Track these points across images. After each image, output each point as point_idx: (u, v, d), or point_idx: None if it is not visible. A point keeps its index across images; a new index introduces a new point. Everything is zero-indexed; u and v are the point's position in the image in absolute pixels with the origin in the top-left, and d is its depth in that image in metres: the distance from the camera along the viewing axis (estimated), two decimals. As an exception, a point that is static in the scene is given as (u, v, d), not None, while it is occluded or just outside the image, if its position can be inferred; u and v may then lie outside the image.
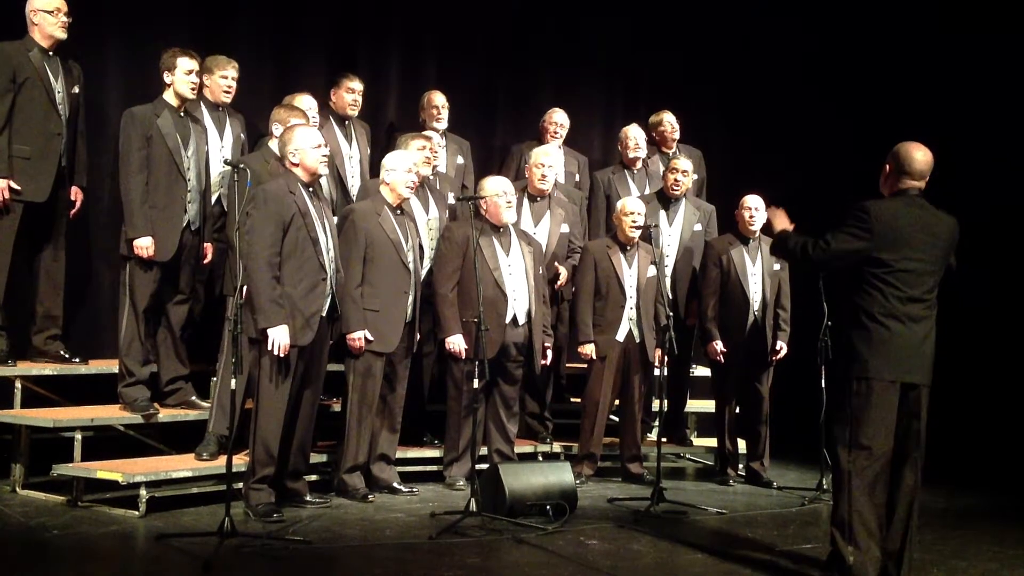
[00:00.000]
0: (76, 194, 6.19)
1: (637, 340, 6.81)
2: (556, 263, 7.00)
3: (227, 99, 6.41)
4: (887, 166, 4.66)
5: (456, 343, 6.34)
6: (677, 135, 7.81)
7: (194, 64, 5.95)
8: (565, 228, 7.04)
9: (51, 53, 5.97)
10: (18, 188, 5.85)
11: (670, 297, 7.08)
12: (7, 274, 5.90)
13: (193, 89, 5.98)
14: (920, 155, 4.60)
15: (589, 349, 6.80)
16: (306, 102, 6.45)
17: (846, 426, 4.46)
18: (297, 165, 5.55)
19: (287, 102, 6.41)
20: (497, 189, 6.45)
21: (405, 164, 6.12)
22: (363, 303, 5.95)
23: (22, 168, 5.86)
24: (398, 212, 6.13)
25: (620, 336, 6.78)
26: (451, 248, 6.35)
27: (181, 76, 5.90)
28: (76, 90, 6.11)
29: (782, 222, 4.92)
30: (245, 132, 6.59)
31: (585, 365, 6.96)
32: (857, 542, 4.38)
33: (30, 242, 6.03)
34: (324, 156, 5.63)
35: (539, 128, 7.72)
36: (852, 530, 4.40)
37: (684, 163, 7.31)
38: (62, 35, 5.95)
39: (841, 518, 4.45)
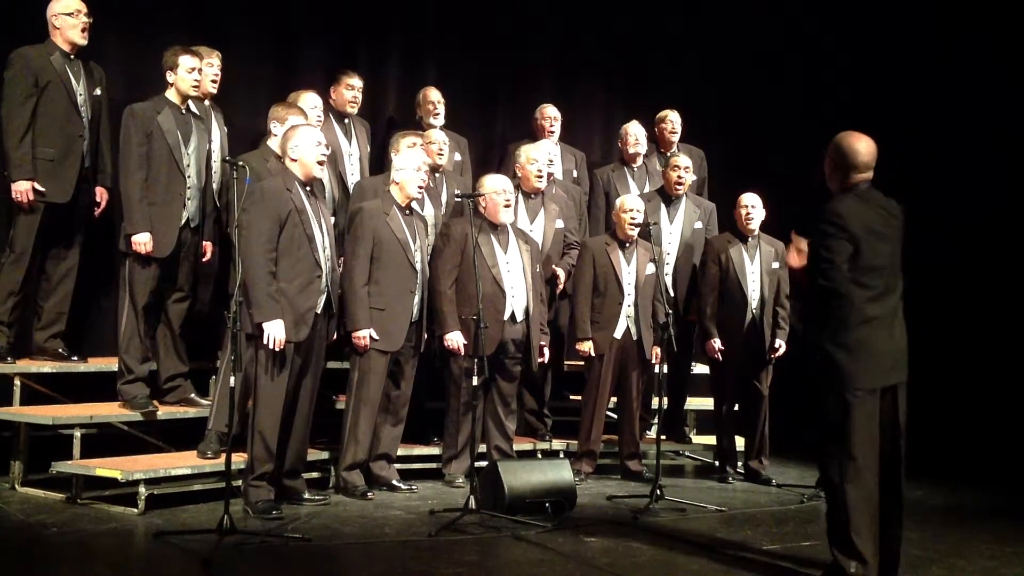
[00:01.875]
0: (102, 195, 6.27)
1: (634, 337, 6.80)
2: (553, 265, 6.99)
3: (213, 89, 6.31)
4: (830, 160, 4.48)
5: (455, 340, 6.34)
6: (678, 135, 7.81)
7: (196, 62, 5.96)
8: (560, 223, 7.04)
9: (72, 56, 6.03)
10: (42, 190, 5.91)
11: (671, 294, 7.09)
12: (25, 273, 5.96)
13: (195, 86, 5.99)
14: (863, 146, 4.44)
15: (587, 347, 6.80)
16: (310, 100, 6.43)
17: (834, 440, 4.35)
18: (296, 162, 5.55)
19: (291, 100, 6.40)
20: (496, 187, 6.45)
21: (414, 164, 6.13)
22: (369, 302, 5.96)
23: (46, 170, 5.94)
24: (407, 212, 6.14)
25: (618, 333, 6.78)
26: (450, 245, 6.34)
27: (183, 74, 5.91)
28: (98, 92, 6.17)
29: (799, 259, 4.59)
30: (226, 126, 6.54)
31: (583, 362, 6.96)
32: (859, 555, 4.33)
33: (46, 241, 6.06)
34: (323, 156, 5.64)
35: (533, 125, 7.71)
36: (852, 545, 4.33)
37: (683, 160, 7.33)
38: (82, 39, 6.02)
39: (839, 534, 4.38)
